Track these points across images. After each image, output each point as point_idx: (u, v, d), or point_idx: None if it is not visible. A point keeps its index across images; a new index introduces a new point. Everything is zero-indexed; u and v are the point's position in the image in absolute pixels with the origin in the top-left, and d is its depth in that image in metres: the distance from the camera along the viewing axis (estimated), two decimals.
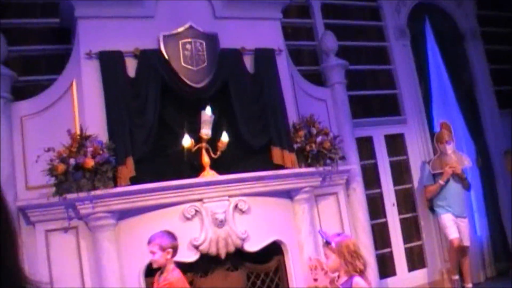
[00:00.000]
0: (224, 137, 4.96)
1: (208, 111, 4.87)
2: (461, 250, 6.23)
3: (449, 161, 6.23)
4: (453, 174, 6.21)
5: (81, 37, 4.86)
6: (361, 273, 3.39)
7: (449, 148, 6.30)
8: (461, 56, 7.68)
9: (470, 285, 6.32)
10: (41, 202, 4.43)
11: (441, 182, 6.16)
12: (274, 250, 5.19)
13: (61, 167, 4.33)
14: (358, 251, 3.48)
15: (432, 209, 6.47)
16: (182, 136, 4.81)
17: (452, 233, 6.14)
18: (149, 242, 3.81)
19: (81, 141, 4.45)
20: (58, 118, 4.77)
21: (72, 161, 4.34)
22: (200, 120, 4.87)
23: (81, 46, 4.83)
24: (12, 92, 4.79)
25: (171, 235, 3.84)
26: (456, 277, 6.26)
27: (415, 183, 6.82)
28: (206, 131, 4.85)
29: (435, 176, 6.28)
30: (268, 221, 5.10)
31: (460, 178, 6.31)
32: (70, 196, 4.35)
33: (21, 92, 4.97)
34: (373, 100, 7.01)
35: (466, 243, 6.28)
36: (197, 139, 4.88)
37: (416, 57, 7.31)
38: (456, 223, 6.19)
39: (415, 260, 6.75)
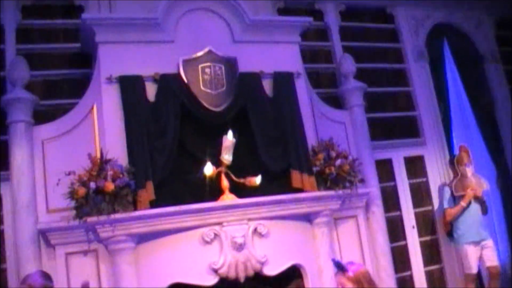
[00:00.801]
0: (258, 179, 4.95)
1: (230, 136, 4.87)
2: (490, 273, 6.09)
3: (470, 184, 6.16)
4: (474, 196, 6.14)
5: (102, 61, 4.93)
6: None
7: (469, 171, 6.24)
8: (480, 77, 7.61)
9: None
10: (61, 225, 4.48)
11: (463, 204, 6.05)
12: (293, 273, 5.15)
13: (82, 191, 4.37)
14: (373, 279, 3.52)
15: (451, 234, 6.31)
16: (202, 161, 4.82)
17: (472, 268, 6.02)
18: (22, 282, 3.87)
19: (101, 164, 4.49)
20: (78, 142, 4.83)
21: (92, 184, 4.37)
22: (220, 144, 4.88)
23: (101, 70, 4.89)
24: (34, 115, 4.87)
25: (44, 276, 3.86)
26: None
27: (435, 205, 6.72)
28: (227, 157, 4.86)
29: (454, 199, 6.20)
30: (287, 244, 5.07)
31: (479, 201, 6.23)
32: (91, 219, 4.38)
33: (42, 116, 5.03)
34: (392, 122, 6.96)
35: (494, 263, 6.12)
36: (216, 163, 4.89)
37: (435, 79, 7.26)
38: (480, 251, 6.06)
39: (436, 283, 6.64)
